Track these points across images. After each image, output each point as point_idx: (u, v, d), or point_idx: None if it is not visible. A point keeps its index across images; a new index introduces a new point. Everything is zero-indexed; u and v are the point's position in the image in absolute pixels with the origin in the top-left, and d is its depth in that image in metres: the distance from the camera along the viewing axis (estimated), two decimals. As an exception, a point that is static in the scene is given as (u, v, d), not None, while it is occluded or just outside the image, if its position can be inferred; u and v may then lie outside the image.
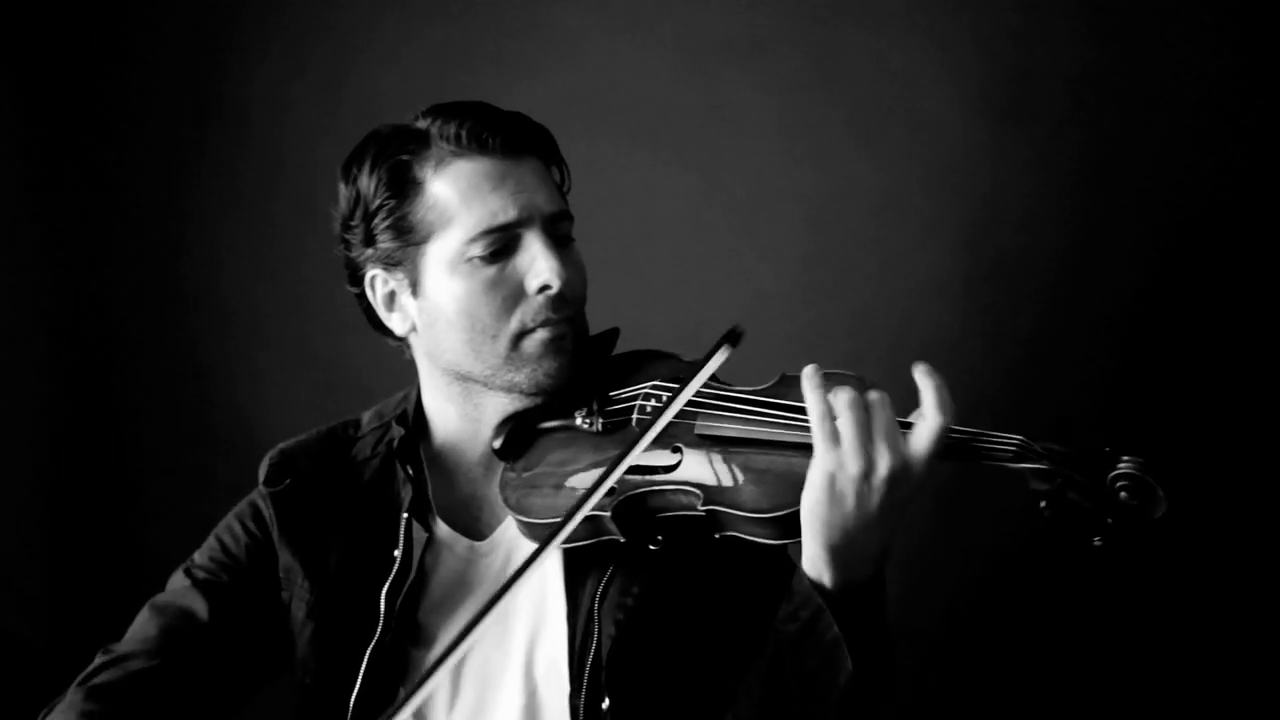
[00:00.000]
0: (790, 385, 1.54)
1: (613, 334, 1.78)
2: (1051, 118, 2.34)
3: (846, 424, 1.38)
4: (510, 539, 1.70)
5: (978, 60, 2.36)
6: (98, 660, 1.68)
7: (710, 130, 2.49)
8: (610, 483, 1.47)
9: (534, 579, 1.67)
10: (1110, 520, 1.35)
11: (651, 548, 1.57)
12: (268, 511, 1.75)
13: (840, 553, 1.40)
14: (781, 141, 2.46)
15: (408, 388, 1.83)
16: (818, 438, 1.39)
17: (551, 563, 1.66)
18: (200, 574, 1.72)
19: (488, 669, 1.64)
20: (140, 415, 2.72)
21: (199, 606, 1.69)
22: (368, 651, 1.65)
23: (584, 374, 1.69)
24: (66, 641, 2.67)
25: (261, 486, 1.77)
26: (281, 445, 1.80)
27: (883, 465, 1.37)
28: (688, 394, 1.47)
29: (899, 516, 1.40)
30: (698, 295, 2.45)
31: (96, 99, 2.71)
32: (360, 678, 1.64)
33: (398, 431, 1.76)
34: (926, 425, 1.38)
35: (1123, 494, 1.34)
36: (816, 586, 1.42)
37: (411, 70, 2.56)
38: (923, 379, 1.39)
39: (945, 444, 1.38)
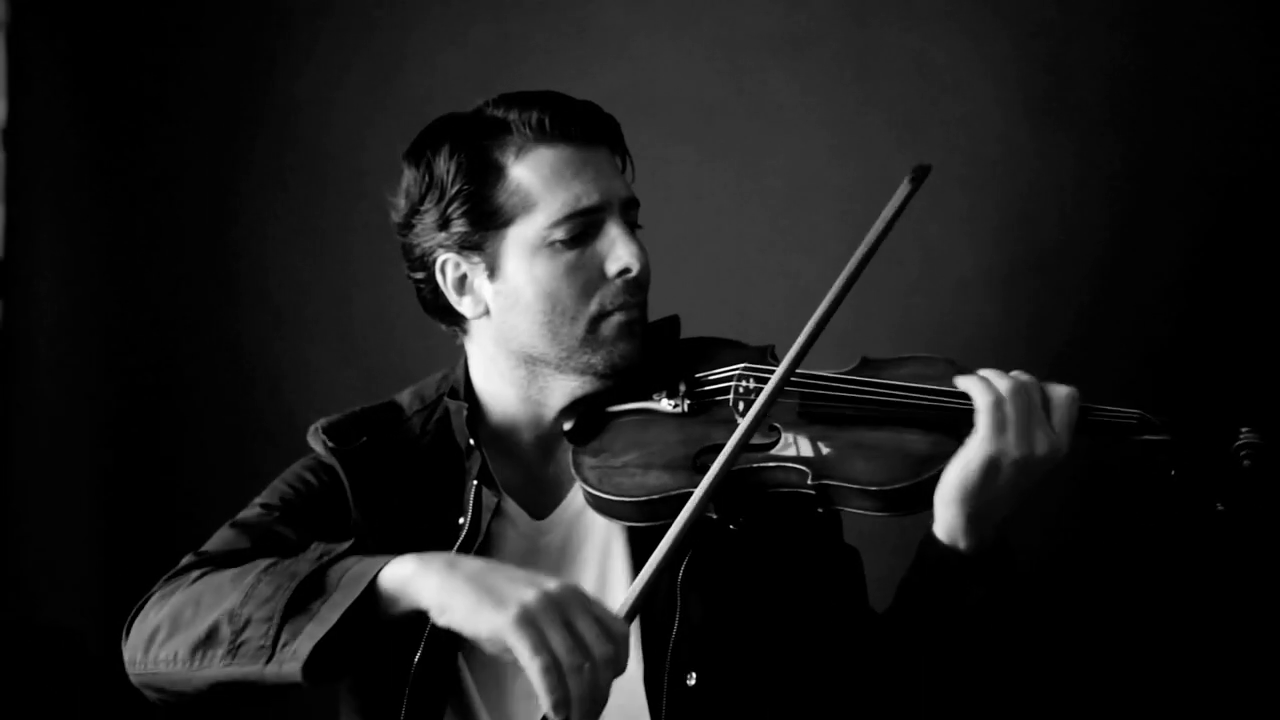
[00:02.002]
0: (876, 367, 1.66)
1: (675, 320, 1.83)
2: (1091, 114, 2.34)
3: (1013, 410, 1.50)
4: (570, 519, 1.73)
5: (1017, 57, 2.36)
6: (190, 559, 1.66)
7: (751, 127, 2.50)
8: (739, 447, 1.52)
9: (594, 558, 1.71)
10: (1230, 486, 1.50)
11: (732, 527, 1.61)
12: (338, 469, 1.74)
13: (978, 520, 1.52)
14: (821, 138, 2.47)
15: (443, 369, 1.85)
16: (985, 423, 1.50)
17: (616, 543, 1.70)
18: (278, 509, 1.72)
19: None
20: (189, 411, 2.74)
21: (287, 531, 1.69)
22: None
23: (653, 358, 1.73)
24: (115, 632, 2.71)
25: (329, 445, 1.75)
26: (325, 419, 1.80)
27: (1040, 448, 1.50)
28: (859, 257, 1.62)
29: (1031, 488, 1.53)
30: (738, 289, 2.46)
31: (146, 99, 2.74)
32: (423, 642, 1.65)
33: (458, 405, 1.78)
34: (1061, 398, 1.53)
35: (1246, 461, 1.49)
36: (951, 552, 1.54)
37: (456, 69, 2.59)
38: (1020, 373, 1.55)
39: (1082, 418, 1.53)
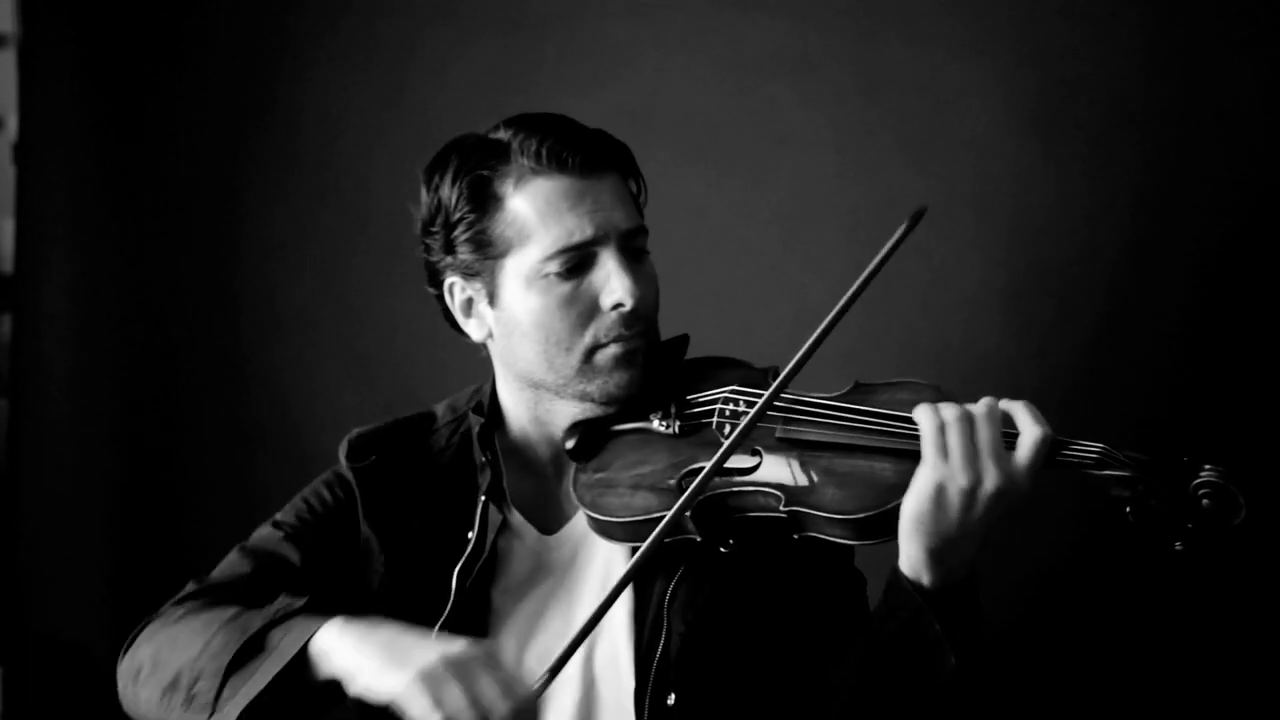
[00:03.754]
0: (866, 392, 1.62)
1: (683, 340, 1.82)
2: (1100, 131, 2.34)
3: (955, 436, 1.44)
4: (578, 535, 1.73)
5: (1026, 74, 2.36)
6: (190, 587, 1.70)
7: (760, 145, 2.51)
8: (711, 473, 1.53)
9: (598, 575, 1.72)
10: (1191, 526, 1.43)
11: (723, 550, 1.61)
12: (351, 486, 1.77)
13: (939, 556, 1.46)
14: (830, 156, 2.48)
15: (479, 382, 1.86)
16: (928, 450, 1.45)
17: (617, 560, 1.70)
18: (289, 529, 1.75)
19: (548, 659, 1.66)
20: (197, 424, 2.75)
21: (291, 554, 1.72)
22: (436, 628, 1.67)
23: (657, 378, 1.73)
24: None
25: (345, 463, 1.78)
26: (359, 429, 1.83)
27: (989, 480, 1.44)
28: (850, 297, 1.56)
29: (995, 522, 1.46)
30: (747, 307, 2.47)
31: (154, 115, 2.75)
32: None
33: (476, 420, 1.79)
34: (1028, 438, 1.45)
35: (1205, 501, 1.42)
36: (915, 586, 1.48)
37: (463, 83, 2.59)
38: (1008, 402, 1.47)
39: (1050, 457, 1.46)
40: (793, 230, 2.49)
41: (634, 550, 1.66)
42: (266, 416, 2.72)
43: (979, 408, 1.46)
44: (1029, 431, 1.45)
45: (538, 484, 1.79)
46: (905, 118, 2.43)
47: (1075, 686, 2.34)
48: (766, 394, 1.56)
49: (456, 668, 1.42)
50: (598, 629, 1.67)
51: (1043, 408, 1.48)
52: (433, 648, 1.45)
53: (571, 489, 1.70)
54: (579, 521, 1.73)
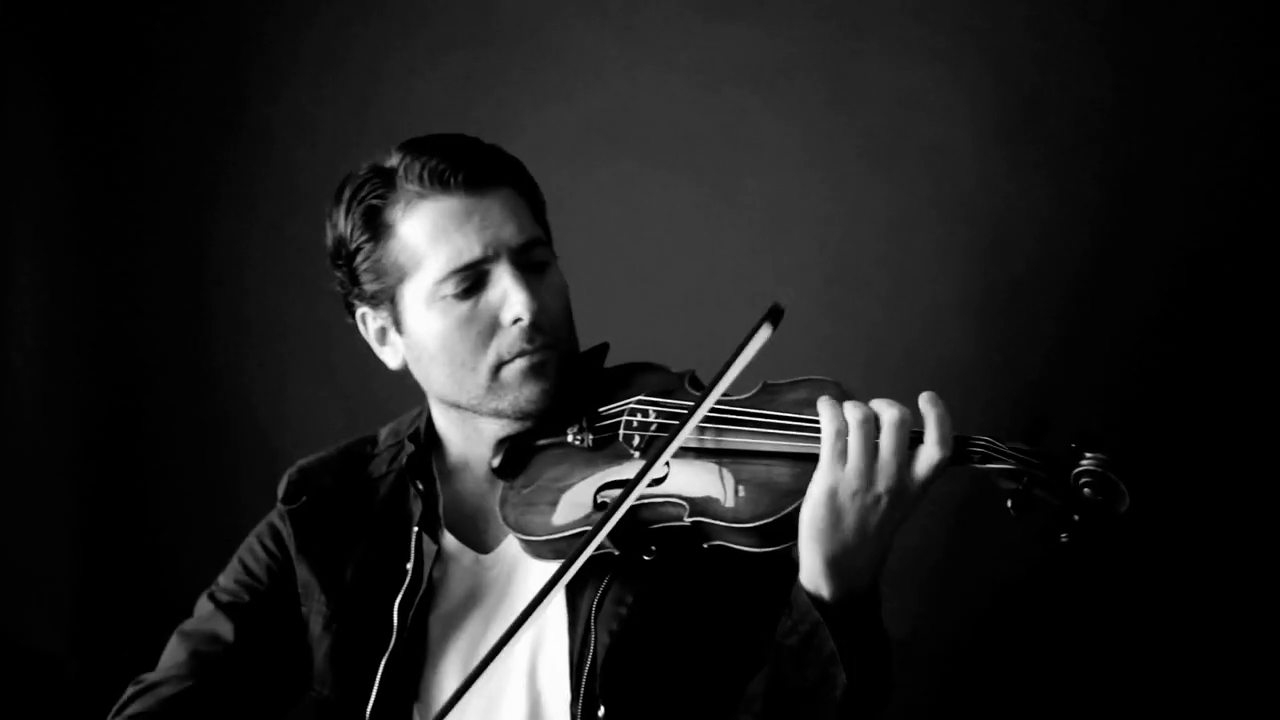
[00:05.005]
0: (772, 393, 1.59)
1: (602, 349, 1.82)
2: (1065, 141, 2.35)
3: (855, 441, 1.41)
4: (514, 553, 1.73)
5: (992, 85, 2.37)
6: (130, 691, 1.72)
7: (728, 154, 2.51)
8: (633, 499, 1.51)
9: (536, 588, 1.67)
10: (1076, 517, 1.39)
11: (645, 558, 1.59)
12: (285, 529, 1.79)
13: (838, 564, 1.44)
14: (799, 165, 2.48)
15: (423, 404, 1.86)
16: (825, 453, 1.42)
17: (554, 573, 1.68)
18: (224, 597, 1.77)
19: (492, 677, 1.66)
20: (164, 432, 2.74)
21: (224, 629, 1.74)
22: (382, 663, 1.68)
23: (576, 390, 1.72)
24: (91, 655, 2.70)
25: (280, 505, 1.81)
26: (301, 463, 1.84)
27: (881, 485, 1.41)
28: (725, 383, 1.50)
29: (895, 532, 1.44)
30: (715, 315, 2.46)
31: (124, 124, 2.74)
32: (375, 689, 1.68)
33: (409, 449, 1.80)
34: (927, 455, 1.42)
35: (1086, 490, 1.38)
36: (815, 599, 1.45)
37: (434, 92, 2.60)
38: (926, 409, 1.42)
39: (942, 471, 1.42)
40: (761, 238, 2.50)
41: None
42: (235, 425, 2.72)
43: (887, 413, 1.42)
44: (927, 448, 1.41)
45: (476, 503, 1.78)
46: (872, 127, 2.44)
47: (1062, 685, 2.34)
48: (698, 400, 1.52)
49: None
50: (538, 642, 1.68)
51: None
52: None
53: (498, 508, 1.69)
54: (513, 541, 1.72)
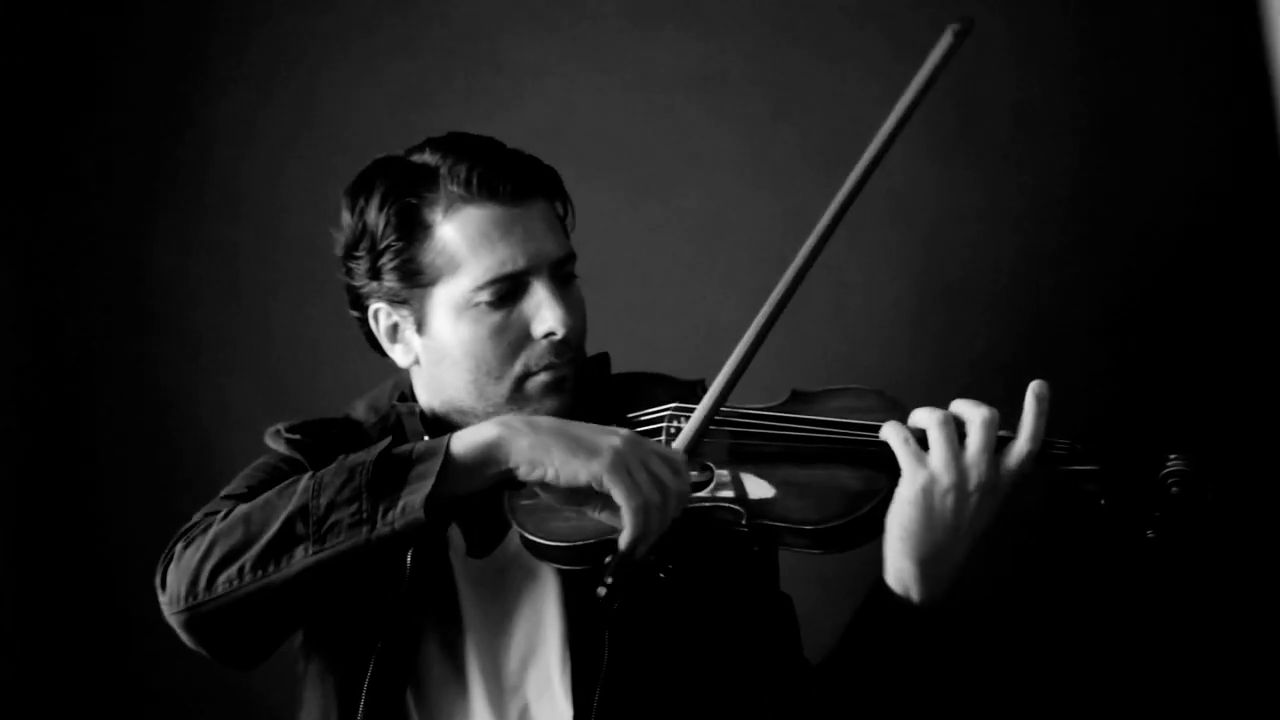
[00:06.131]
0: (806, 400, 1.64)
1: (605, 358, 1.83)
2: (1000, 147, 2.38)
3: (938, 441, 1.46)
4: (509, 558, 1.71)
5: (935, 92, 2.39)
6: (197, 517, 1.61)
7: (670, 162, 2.53)
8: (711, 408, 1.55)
9: (531, 600, 1.69)
10: (1159, 514, 1.48)
11: (661, 575, 1.59)
12: (303, 465, 1.69)
13: (929, 566, 1.48)
14: (738, 173, 2.50)
15: (393, 378, 1.84)
16: (903, 458, 1.47)
17: (548, 583, 1.68)
18: (243, 494, 1.66)
19: (481, 684, 1.66)
20: (104, 441, 2.71)
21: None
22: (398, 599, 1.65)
23: (586, 399, 1.72)
24: (32, 665, 2.67)
25: (287, 447, 1.73)
26: (285, 423, 1.78)
27: (974, 478, 1.46)
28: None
29: (982, 531, 1.49)
30: (658, 325, 2.48)
31: (62, 134, 2.72)
32: (372, 664, 1.65)
33: (407, 407, 1.76)
34: (1019, 449, 1.48)
35: (1175, 489, 1.47)
36: (903, 602, 1.49)
37: (375, 103, 2.59)
38: (1031, 402, 1.50)
39: (1030, 468, 1.48)
40: (703, 247, 2.51)
41: (562, 575, 1.65)
42: (175, 435, 2.69)
43: (976, 413, 1.49)
44: (1021, 441, 1.48)
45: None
46: (814, 135, 2.46)
47: (1061, 682, 2.37)
48: (705, 405, 1.56)
49: (637, 451, 1.47)
50: (529, 652, 1.67)
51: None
52: (607, 433, 1.48)
53: (508, 513, 1.64)
54: (509, 544, 1.71)
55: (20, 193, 2.72)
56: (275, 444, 1.76)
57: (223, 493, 1.70)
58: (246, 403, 2.66)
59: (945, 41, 1.56)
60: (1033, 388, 1.50)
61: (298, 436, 1.74)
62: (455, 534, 1.74)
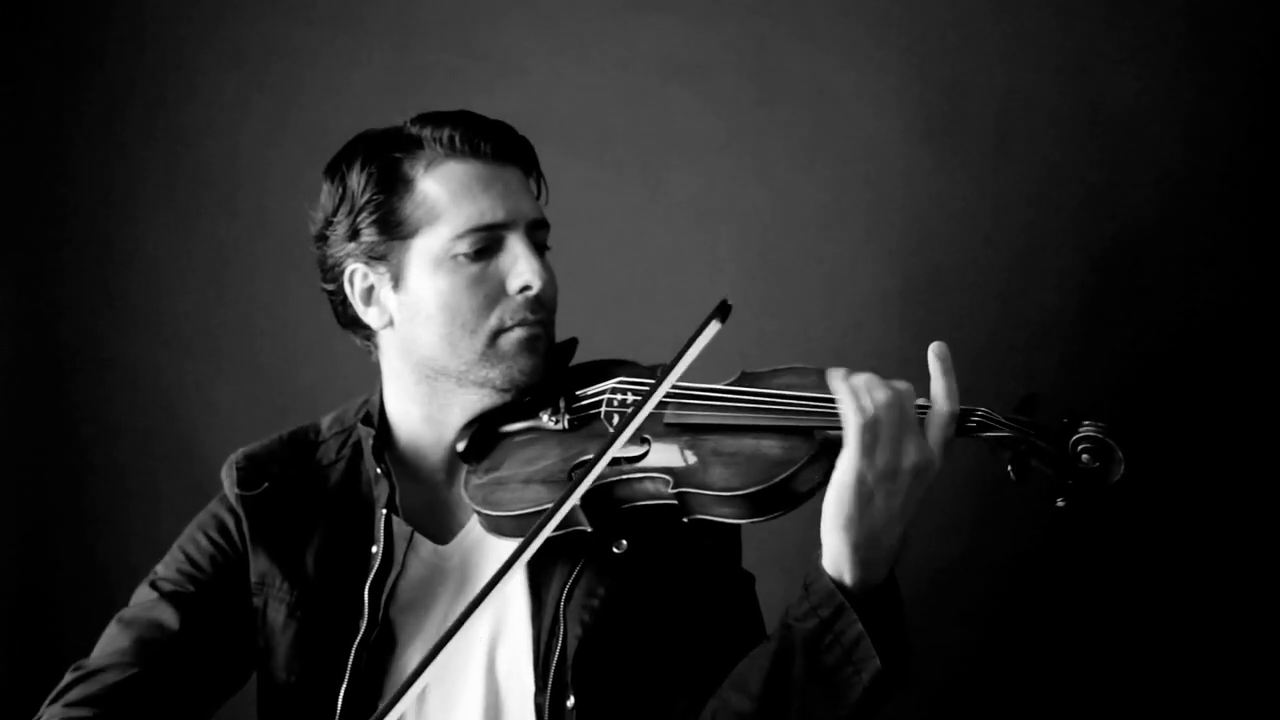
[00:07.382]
0: (753, 379, 1.64)
1: (572, 343, 1.84)
2: (987, 137, 2.38)
3: (886, 425, 1.43)
4: (469, 545, 1.74)
5: (915, 81, 2.40)
6: (69, 677, 1.69)
7: (653, 150, 2.53)
8: (604, 464, 1.54)
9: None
10: (1071, 482, 1.44)
11: (615, 550, 1.63)
12: (233, 520, 1.77)
13: (863, 550, 1.45)
14: (725, 160, 2.50)
15: (366, 393, 1.86)
16: (853, 440, 1.43)
17: (515, 570, 1.68)
18: (167, 586, 1.75)
19: (450, 668, 1.67)
20: (89, 437, 2.71)
21: (168, 617, 1.71)
22: (353, 648, 1.68)
23: (547, 379, 1.74)
24: (16, 660, 2.67)
25: (235, 491, 1.77)
26: (244, 450, 1.82)
27: (908, 460, 1.43)
28: (680, 369, 1.54)
29: (915, 508, 1.46)
30: (641, 310, 2.48)
31: (41, 125, 2.71)
32: (348, 674, 1.67)
33: (366, 431, 1.79)
34: (939, 413, 1.45)
35: (1084, 456, 1.43)
36: (837, 584, 1.46)
37: (359, 95, 2.59)
38: (936, 362, 1.46)
39: (951, 435, 1.45)
40: (686, 233, 2.51)
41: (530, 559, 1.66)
42: (160, 429, 2.69)
43: (898, 384, 1.46)
44: (938, 405, 1.45)
45: (429, 494, 1.79)
46: (798, 121, 2.46)
47: (1061, 685, 2.36)
48: (656, 382, 1.56)
49: None
50: (497, 631, 1.69)
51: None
52: None
53: (463, 490, 1.70)
54: (471, 529, 1.74)
55: (1, 188, 2.70)
56: (226, 478, 1.80)
57: (155, 569, 1.77)
58: (231, 395, 2.66)
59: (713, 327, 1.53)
60: (933, 348, 1.47)
61: (243, 472, 1.78)
62: (408, 529, 1.75)
